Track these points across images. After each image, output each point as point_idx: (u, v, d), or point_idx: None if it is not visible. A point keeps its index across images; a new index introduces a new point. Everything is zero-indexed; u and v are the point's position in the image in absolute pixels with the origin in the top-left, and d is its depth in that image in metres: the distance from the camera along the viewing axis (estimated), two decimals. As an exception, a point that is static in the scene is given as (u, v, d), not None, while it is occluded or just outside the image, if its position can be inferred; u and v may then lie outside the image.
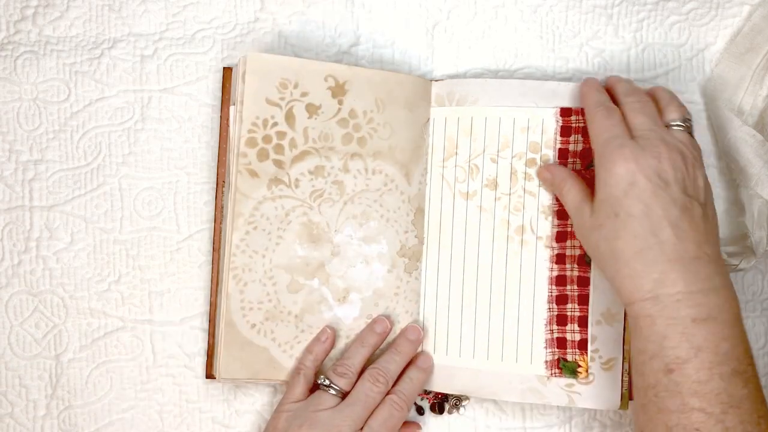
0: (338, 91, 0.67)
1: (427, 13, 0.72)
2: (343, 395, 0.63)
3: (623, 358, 0.65)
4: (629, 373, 0.65)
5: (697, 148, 0.61)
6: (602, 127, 0.60)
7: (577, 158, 0.65)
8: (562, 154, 0.65)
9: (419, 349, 0.68)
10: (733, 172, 0.69)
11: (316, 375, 0.65)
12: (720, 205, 0.70)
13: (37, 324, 0.70)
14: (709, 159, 0.70)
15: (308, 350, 0.66)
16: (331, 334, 0.66)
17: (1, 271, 0.70)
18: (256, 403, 0.70)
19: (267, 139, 0.65)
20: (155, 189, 0.70)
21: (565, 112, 0.65)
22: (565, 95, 0.66)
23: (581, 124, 0.65)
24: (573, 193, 0.62)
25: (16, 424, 0.69)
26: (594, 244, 0.59)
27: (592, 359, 0.65)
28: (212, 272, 0.68)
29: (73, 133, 0.70)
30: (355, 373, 0.64)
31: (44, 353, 0.70)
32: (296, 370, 0.65)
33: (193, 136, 0.71)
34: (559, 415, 0.70)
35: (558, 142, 0.66)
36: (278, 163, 0.66)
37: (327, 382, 0.64)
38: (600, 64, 0.71)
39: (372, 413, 0.63)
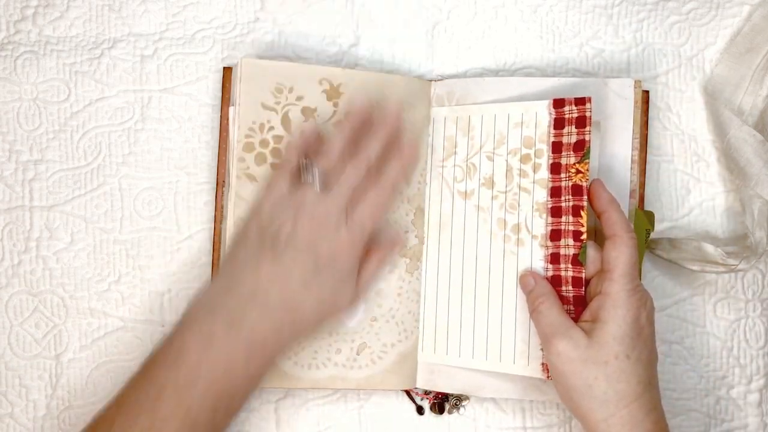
0: (333, 93, 0.67)
1: (427, 13, 0.72)
2: (326, 185, 0.61)
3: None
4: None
5: None
6: (628, 261, 0.60)
7: (571, 151, 0.64)
8: (556, 148, 0.65)
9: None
10: (733, 172, 0.69)
11: (299, 168, 0.62)
12: (720, 205, 0.70)
13: (37, 324, 0.70)
14: (710, 159, 0.70)
15: (291, 145, 0.63)
16: (314, 126, 0.64)
17: (1, 271, 0.70)
18: (255, 402, 0.70)
19: (264, 143, 0.66)
20: (155, 189, 0.70)
21: (557, 103, 0.65)
22: (563, 91, 0.66)
23: (575, 115, 0.64)
24: (557, 312, 0.62)
25: (16, 424, 0.69)
26: (585, 380, 0.59)
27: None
28: (212, 272, 0.68)
29: (73, 133, 0.70)
30: (338, 157, 0.61)
31: (44, 353, 0.70)
32: (279, 166, 0.63)
33: (193, 136, 0.71)
34: (559, 415, 0.70)
35: (551, 135, 0.65)
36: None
37: (309, 173, 0.61)
38: (600, 64, 0.71)
39: (357, 200, 0.61)
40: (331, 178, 0.61)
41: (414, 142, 0.65)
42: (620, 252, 0.60)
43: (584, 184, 0.63)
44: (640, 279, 0.63)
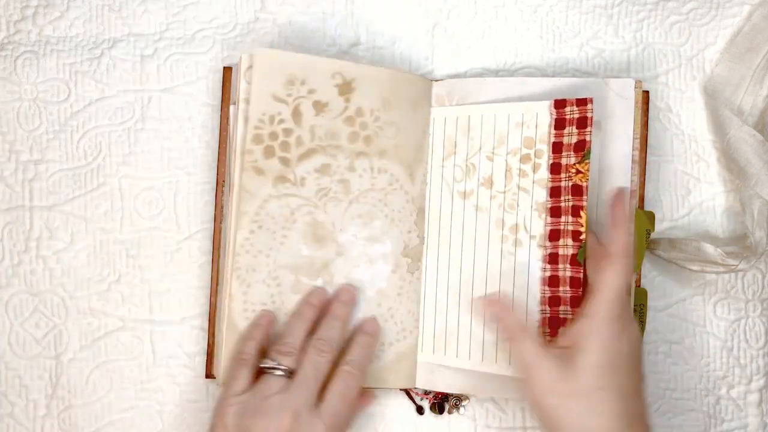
0: (345, 88, 0.66)
1: (427, 13, 0.72)
2: (290, 374, 0.60)
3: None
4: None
5: None
6: (616, 287, 0.58)
7: (571, 151, 0.64)
8: (556, 149, 0.65)
9: (366, 316, 0.66)
10: (733, 172, 0.69)
11: (259, 361, 0.61)
12: (720, 205, 0.70)
13: (37, 324, 0.70)
14: (710, 159, 0.71)
15: (248, 337, 0.62)
16: (270, 315, 0.64)
17: (1, 271, 0.70)
18: (257, 403, 0.70)
19: (273, 135, 0.65)
20: (155, 189, 0.70)
21: (559, 104, 0.65)
22: (564, 90, 0.66)
23: (576, 115, 0.64)
24: (529, 343, 0.59)
25: (16, 424, 0.69)
26: (560, 413, 0.56)
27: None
28: (212, 272, 0.68)
29: (73, 133, 0.70)
30: (298, 349, 0.61)
31: (44, 353, 0.70)
32: (237, 360, 0.61)
33: (193, 136, 0.71)
34: (559, 415, 0.70)
35: (552, 135, 0.65)
36: (284, 161, 0.65)
37: (271, 363, 0.60)
38: (600, 64, 0.71)
39: (327, 387, 0.60)
40: (296, 368, 0.60)
41: (374, 319, 0.65)
42: (612, 275, 0.58)
43: (584, 184, 0.63)
44: (632, 295, 0.64)
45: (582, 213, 0.62)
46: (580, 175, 0.63)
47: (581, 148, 0.63)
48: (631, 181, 0.65)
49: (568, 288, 0.63)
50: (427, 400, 0.70)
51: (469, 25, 0.72)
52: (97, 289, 0.70)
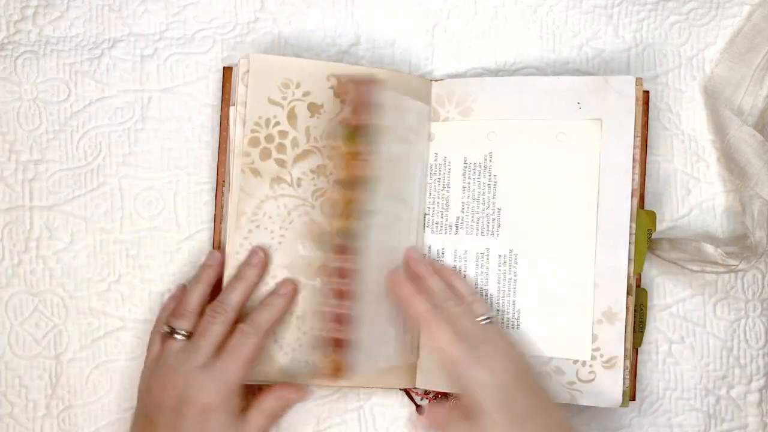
0: (340, 90, 0.67)
1: (427, 13, 0.72)
2: (188, 337, 0.62)
3: (624, 356, 0.65)
4: (630, 371, 0.65)
5: (503, 335, 0.64)
6: (442, 342, 0.61)
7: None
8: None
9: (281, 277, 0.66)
10: (733, 172, 0.69)
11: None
12: (720, 205, 0.70)
13: (37, 324, 0.70)
14: (710, 159, 0.71)
15: (163, 308, 0.67)
16: (182, 287, 0.68)
17: (1, 271, 0.70)
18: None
19: (269, 138, 0.65)
20: (155, 189, 0.70)
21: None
22: (564, 89, 0.66)
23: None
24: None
25: (15, 424, 0.69)
26: None
27: (594, 358, 0.65)
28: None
29: (73, 133, 0.70)
30: (194, 312, 0.63)
31: (44, 353, 0.70)
32: (153, 331, 0.65)
33: (193, 136, 0.71)
34: (559, 415, 0.70)
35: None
36: (280, 162, 0.66)
37: (168, 328, 0.63)
38: (600, 65, 0.71)
39: (224, 345, 0.61)
40: (192, 330, 0.62)
41: (291, 281, 0.65)
42: (428, 338, 0.63)
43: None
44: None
45: None
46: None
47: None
48: (633, 180, 0.65)
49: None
50: (427, 400, 0.70)
51: (469, 25, 0.72)
52: (97, 289, 0.70)
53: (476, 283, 0.67)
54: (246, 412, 0.62)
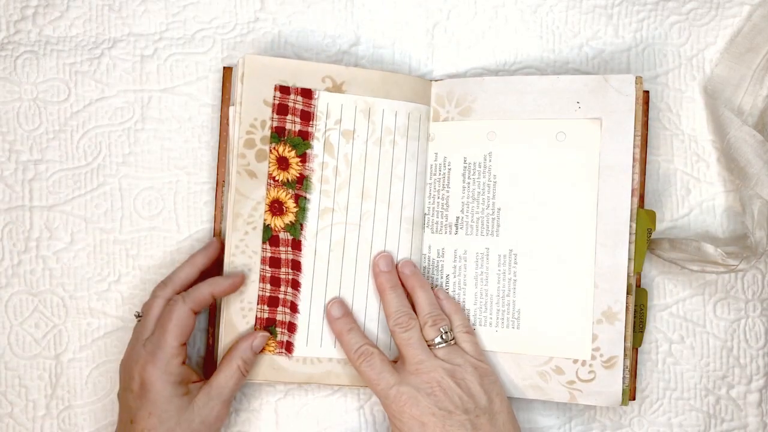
0: (336, 91, 0.67)
1: (427, 13, 0.72)
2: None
3: (624, 356, 0.65)
4: (630, 371, 0.65)
5: (461, 355, 0.64)
6: (371, 375, 0.63)
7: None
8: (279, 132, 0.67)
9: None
10: (733, 172, 0.69)
11: None
12: (720, 205, 0.70)
13: (37, 324, 0.70)
14: (710, 159, 0.71)
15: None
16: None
17: (1, 271, 0.70)
18: (255, 402, 0.70)
19: (265, 140, 0.66)
20: (155, 189, 0.70)
21: (283, 90, 0.66)
22: (563, 88, 0.66)
23: (300, 106, 0.66)
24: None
25: (15, 424, 0.69)
26: None
27: (594, 357, 0.65)
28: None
29: (73, 133, 0.70)
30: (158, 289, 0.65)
31: (44, 353, 0.70)
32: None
33: (193, 136, 0.71)
34: (559, 416, 0.70)
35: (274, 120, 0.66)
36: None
37: (135, 312, 0.66)
38: (600, 65, 0.71)
39: None
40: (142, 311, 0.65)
41: (239, 273, 0.65)
42: (361, 373, 0.64)
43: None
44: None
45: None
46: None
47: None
48: (633, 179, 0.65)
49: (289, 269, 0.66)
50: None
51: (469, 25, 0.72)
52: (97, 289, 0.70)
53: (476, 283, 0.68)
54: (195, 386, 0.63)
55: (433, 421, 0.60)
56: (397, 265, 0.67)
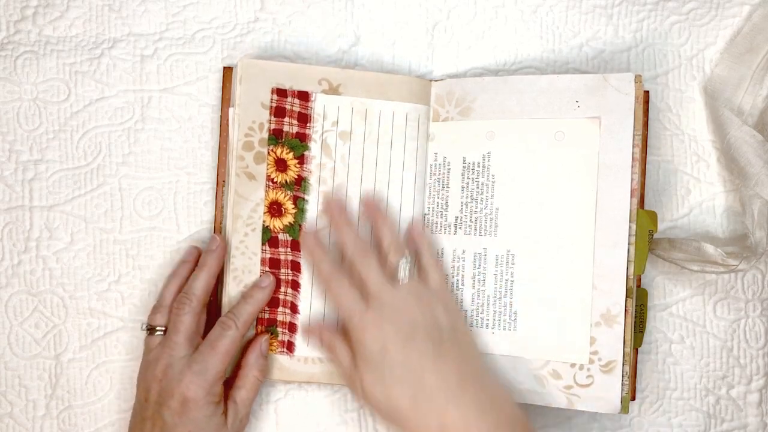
0: (332, 93, 0.67)
1: (427, 13, 0.72)
2: (166, 331, 0.65)
3: (624, 361, 0.64)
4: (631, 375, 0.65)
5: (421, 282, 0.64)
6: (338, 299, 0.63)
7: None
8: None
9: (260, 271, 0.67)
10: (733, 172, 0.69)
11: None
12: (720, 205, 0.70)
13: (37, 324, 0.70)
14: (710, 159, 0.70)
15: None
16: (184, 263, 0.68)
17: (1, 271, 0.70)
18: (255, 402, 0.70)
19: (263, 142, 0.66)
20: (155, 189, 0.70)
21: (280, 93, 0.66)
22: (562, 88, 0.66)
23: (297, 109, 0.67)
24: (343, 354, 0.63)
25: (15, 424, 0.69)
26: (374, 404, 0.61)
27: (592, 361, 0.65)
28: (212, 272, 0.69)
29: (73, 133, 0.70)
30: (168, 306, 0.65)
31: (44, 353, 0.70)
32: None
33: (193, 136, 0.71)
34: (558, 416, 0.70)
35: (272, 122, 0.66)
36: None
37: (146, 326, 0.65)
38: (600, 65, 0.71)
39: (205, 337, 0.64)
40: (168, 327, 0.64)
41: (267, 275, 0.66)
42: (328, 294, 0.65)
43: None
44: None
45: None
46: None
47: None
48: (632, 179, 0.65)
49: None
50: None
51: (469, 25, 0.72)
52: (97, 289, 0.70)
53: (474, 284, 0.67)
54: (224, 402, 0.64)
55: (395, 346, 0.60)
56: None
